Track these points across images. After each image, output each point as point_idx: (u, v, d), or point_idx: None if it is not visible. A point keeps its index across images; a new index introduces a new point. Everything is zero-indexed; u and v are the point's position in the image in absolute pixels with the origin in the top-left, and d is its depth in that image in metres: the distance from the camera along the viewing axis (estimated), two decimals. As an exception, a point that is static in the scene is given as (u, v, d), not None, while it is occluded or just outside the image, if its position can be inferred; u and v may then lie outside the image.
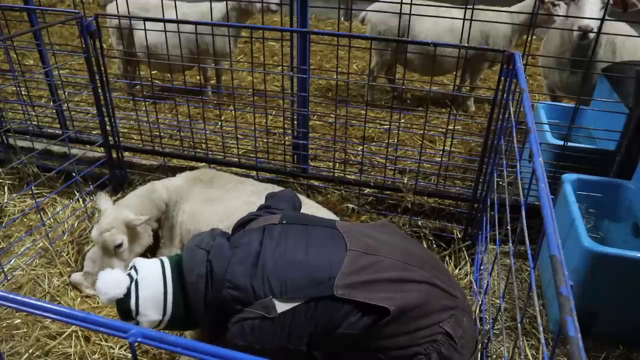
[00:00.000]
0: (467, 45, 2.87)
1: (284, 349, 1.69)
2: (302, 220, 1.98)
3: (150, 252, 3.13)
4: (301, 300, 1.68)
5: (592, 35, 3.31)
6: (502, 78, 2.63)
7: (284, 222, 1.93)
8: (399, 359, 1.75)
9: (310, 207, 2.84)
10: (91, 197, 3.55)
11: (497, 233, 2.15)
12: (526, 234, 1.57)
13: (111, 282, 1.73)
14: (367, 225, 2.08)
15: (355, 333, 1.70)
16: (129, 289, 1.75)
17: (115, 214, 2.78)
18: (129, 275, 1.80)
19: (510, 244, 1.85)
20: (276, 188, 3.03)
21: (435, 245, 3.25)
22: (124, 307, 1.74)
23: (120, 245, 2.76)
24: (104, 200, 2.97)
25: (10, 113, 4.58)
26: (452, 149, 4.11)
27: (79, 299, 2.79)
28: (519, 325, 1.59)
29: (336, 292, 1.67)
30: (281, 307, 1.67)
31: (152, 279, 1.79)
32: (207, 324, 1.82)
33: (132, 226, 2.78)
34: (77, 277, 2.86)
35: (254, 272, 1.73)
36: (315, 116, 4.85)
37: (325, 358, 1.83)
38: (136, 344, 0.92)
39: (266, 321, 1.67)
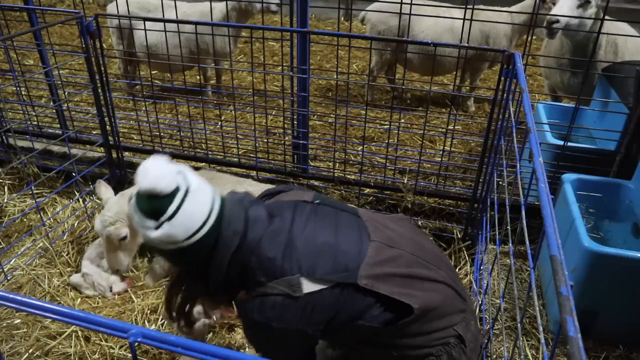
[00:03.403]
0: (467, 45, 2.87)
1: (300, 331, 1.61)
2: (331, 203, 1.89)
3: (151, 252, 3.13)
4: (328, 283, 1.59)
5: (558, 26, 3.31)
6: (502, 78, 2.63)
7: (317, 201, 1.84)
8: (412, 358, 1.73)
9: None
10: (91, 197, 3.56)
11: (497, 233, 2.16)
12: (526, 234, 1.57)
13: (167, 173, 1.51)
14: (386, 217, 1.98)
15: (375, 327, 1.64)
16: (177, 189, 1.53)
17: (118, 206, 2.78)
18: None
19: (510, 244, 1.85)
20: (276, 188, 3.02)
21: (435, 245, 3.25)
22: (157, 204, 1.49)
23: (124, 238, 2.78)
24: (104, 189, 2.97)
25: (10, 113, 4.58)
26: (452, 149, 4.11)
27: (79, 299, 2.79)
28: (518, 325, 1.59)
29: (360, 282, 1.60)
30: (307, 287, 1.58)
31: (202, 199, 1.58)
32: (219, 283, 1.66)
33: None
34: (76, 278, 2.86)
35: (285, 247, 1.63)
36: (315, 116, 4.85)
37: (336, 350, 1.79)
38: (136, 344, 0.92)
39: (290, 300, 1.57)
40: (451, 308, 1.75)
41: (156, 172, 1.49)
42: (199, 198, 1.57)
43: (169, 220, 1.49)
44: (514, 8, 4.78)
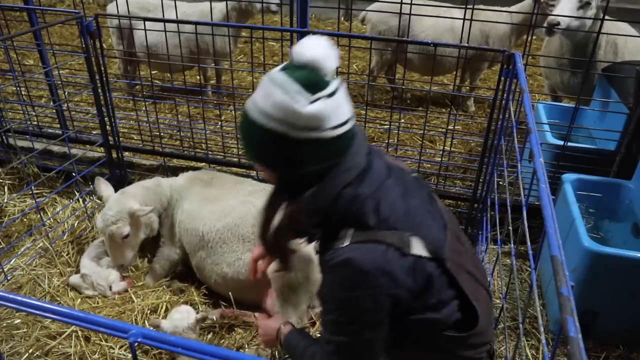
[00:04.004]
0: (467, 45, 2.87)
1: (393, 296, 1.40)
2: (419, 180, 1.75)
3: (151, 252, 3.13)
4: (429, 254, 1.44)
5: (559, 30, 3.32)
6: (502, 78, 2.63)
7: (414, 175, 1.70)
8: None
9: None
10: (91, 197, 3.55)
11: (499, 233, 2.16)
12: (527, 235, 1.57)
13: (333, 51, 1.41)
14: (445, 208, 1.81)
15: (445, 325, 1.50)
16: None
17: (120, 204, 2.79)
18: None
19: (512, 245, 1.85)
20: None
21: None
22: (318, 78, 1.37)
23: (127, 236, 2.80)
24: (104, 187, 2.98)
25: (10, 113, 4.58)
26: (452, 149, 4.11)
27: (79, 299, 2.79)
28: (520, 326, 1.59)
29: (447, 263, 1.47)
30: (416, 249, 1.42)
31: (347, 99, 1.45)
32: (320, 210, 1.45)
33: (137, 216, 2.80)
34: (75, 279, 2.86)
35: (399, 202, 1.48)
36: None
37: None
38: (136, 344, 0.92)
39: (400, 255, 1.39)
40: (491, 320, 1.65)
41: (325, 47, 1.40)
42: (346, 96, 1.44)
43: (327, 97, 1.35)
44: (513, 8, 4.78)
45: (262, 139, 1.39)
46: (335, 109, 1.37)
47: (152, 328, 2.39)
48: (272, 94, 1.35)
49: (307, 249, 2.55)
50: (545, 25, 3.37)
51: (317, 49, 1.38)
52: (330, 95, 1.36)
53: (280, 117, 1.34)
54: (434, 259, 1.45)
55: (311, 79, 1.35)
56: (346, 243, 1.41)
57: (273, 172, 1.49)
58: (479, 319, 1.50)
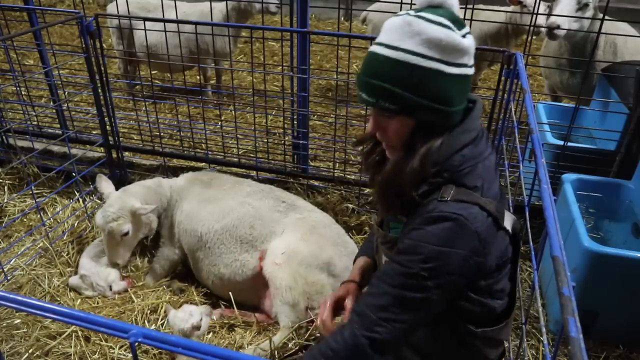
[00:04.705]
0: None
1: (476, 263, 1.38)
2: None
3: (151, 252, 3.13)
4: (512, 230, 1.45)
5: (560, 32, 3.31)
6: (503, 78, 2.63)
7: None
8: None
9: (304, 211, 2.85)
10: (91, 197, 3.55)
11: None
12: (530, 236, 1.57)
13: None
14: None
15: (495, 314, 1.49)
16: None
17: (121, 202, 2.79)
18: None
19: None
20: (274, 189, 3.03)
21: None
22: (454, 14, 1.39)
23: (127, 234, 2.80)
24: (104, 184, 2.98)
25: (10, 113, 4.58)
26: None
27: (79, 299, 2.79)
28: (523, 326, 1.59)
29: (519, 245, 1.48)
30: (506, 222, 1.43)
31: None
32: (437, 162, 1.42)
33: (138, 215, 2.80)
34: (74, 280, 2.86)
35: (495, 175, 1.50)
36: (315, 116, 4.85)
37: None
38: (136, 344, 0.92)
39: (495, 224, 1.39)
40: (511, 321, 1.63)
41: None
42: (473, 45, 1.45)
43: (469, 34, 1.39)
44: (511, 8, 4.77)
45: (413, 79, 1.35)
46: (473, 47, 1.39)
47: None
48: (423, 30, 1.32)
49: (305, 249, 2.56)
50: (545, 29, 3.37)
51: None
52: (468, 33, 1.39)
53: (435, 53, 1.33)
54: (514, 235, 1.46)
55: (455, 16, 1.38)
56: (447, 198, 1.38)
57: (409, 118, 1.43)
58: (512, 311, 1.51)
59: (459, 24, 1.36)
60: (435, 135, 1.42)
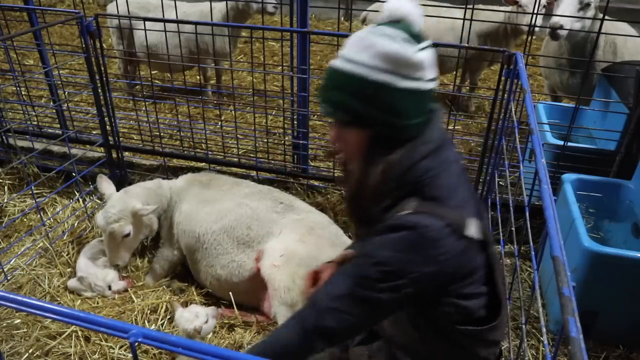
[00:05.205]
0: (467, 45, 2.87)
1: (437, 272, 1.40)
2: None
3: (151, 252, 3.13)
4: (481, 236, 1.44)
5: (562, 32, 3.31)
6: (503, 78, 2.63)
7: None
8: None
9: (302, 212, 2.85)
10: (91, 197, 3.55)
11: (501, 234, 2.16)
12: (530, 236, 1.57)
13: (415, 6, 1.45)
14: None
15: (474, 315, 1.50)
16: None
17: (122, 203, 2.79)
18: None
19: (515, 246, 1.85)
20: (272, 190, 3.03)
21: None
22: (416, 32, 1.42)
23: (128, 235, 2.80)
24: (106, 184, 2.98)
25: (10, 113, 4.58)
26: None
27: (79, 299, 2.79)
28: (523, 326, 1.59)
29: (489, 248, 1.47)
30: (470, 230, 1.42)
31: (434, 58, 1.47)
32: (393, 179, 1.45)
33: (139, 216, 2.80)
34: (73, 283, 2.86)
35: (461, 186, 1.50)
36: (315, 116, 4.85)
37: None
38: (136, 344, 0.92)
39: (455, 233, 1.39)
40: (504, 321, 1.64)
41: (414, 6, 1.46)
42: (432, 61, 1.48)
43: (426, 49, 1.42)
44: (509, 9, 4.77)
45: (365, 92, 1.39)
46: (433, 62, 1.43)
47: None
48: (376, 44, 1.37)
49: (303, 250, 2.55)
50: (548, 29, 3.37)
51: (409, 6, 1.44)
52: (427, 48, 1.42)
53: (387, 66, 1.37)
54: (483, 242, 1.46)
55: (413, 30, 1.41)
56: (408, 211, 1.41)
57: (365, 130, 1.47)
58: (501, 312, 1.51)
59: (416, 38, 1.40)
60: (393, 147, 1.45)
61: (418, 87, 1.40)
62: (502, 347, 1.64)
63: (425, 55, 1.40)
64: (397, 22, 1.43)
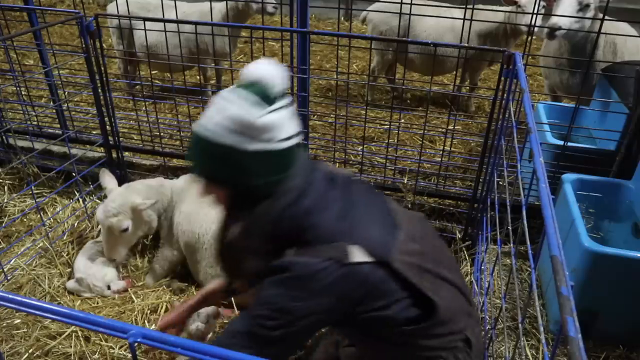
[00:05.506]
0: (467, 45, 2.87)
1: (329, 304, 1.50)
2: (364, 183, 1.84)
3: (151, 252, 3.13)
4: (371, 258, 1.51)
5: (559, 32, 3.31)
6: (503, 78, 2.63)
7: (354, 178, 1.80)
8: (422, 359, 1.69)
9: None
10: (91, 197, 3.55)
11: (499, 233, 2.16)
12: (527, 235, 1.57)
13: (283, 74, 1.55)
14: (407, 212, 1.93)
15: (399, 321, 1.58)
16: (283, 91, 1.54)
17: (122, 198, 2.79)
18: None
19: (512, 245, 1.85)
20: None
21: (435, 245, 3.25)
22: (269, 94, 1.50)
23: (126, 230, 2.80)
24: (108, 178, 3.00)
25: (10, 113, 4.58)
26: (452, 149, 4.11)
27: (79, 299, 2.79)
28: (520, 326, 1.59)
29: (393, 264, 1.53)
30: (356, 256, 1.49)
31: (291, 116, 1.55)
32: (267, 233, 1.55)
33: (139, 210, 2.81)
34: (71, 284, 2.86)
35: (339, 213, 1.56)
36: (315, 116, 4.85)
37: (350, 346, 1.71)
38: (136, 344, 0.92)
39: (337, 265, 1.46)
40: (463, 312, 1.73)
41: (273, 67, 1.54)
42: (294, 113, 1.57)
43: (277, 111, 1.48)
44: (509, 8, 4.77)
45: (215, 154, 1.48)
46: (285, 122, 1.50)
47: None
48: (225, 108, 1.46)
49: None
50: (546, 30, 3.37)
51: (266, 68, 1.53)
52: (280, 108, 1.49)
53: (234, 129, 1.44)
54: (379, 262, 1.52)
55: (263, 93, 1.48)
56: (294, 254, 1.51)
57: (223, 189, 1.58)
58: (436, 310, 1.57)
59: (266, 100, 1.47)
60: (253, 205, 1.54)
61: (267, 148, 1.47)
62: (469, 334, 1.71)
63: (274, 117, 1.46)
64: (251, 85, 1.51)
